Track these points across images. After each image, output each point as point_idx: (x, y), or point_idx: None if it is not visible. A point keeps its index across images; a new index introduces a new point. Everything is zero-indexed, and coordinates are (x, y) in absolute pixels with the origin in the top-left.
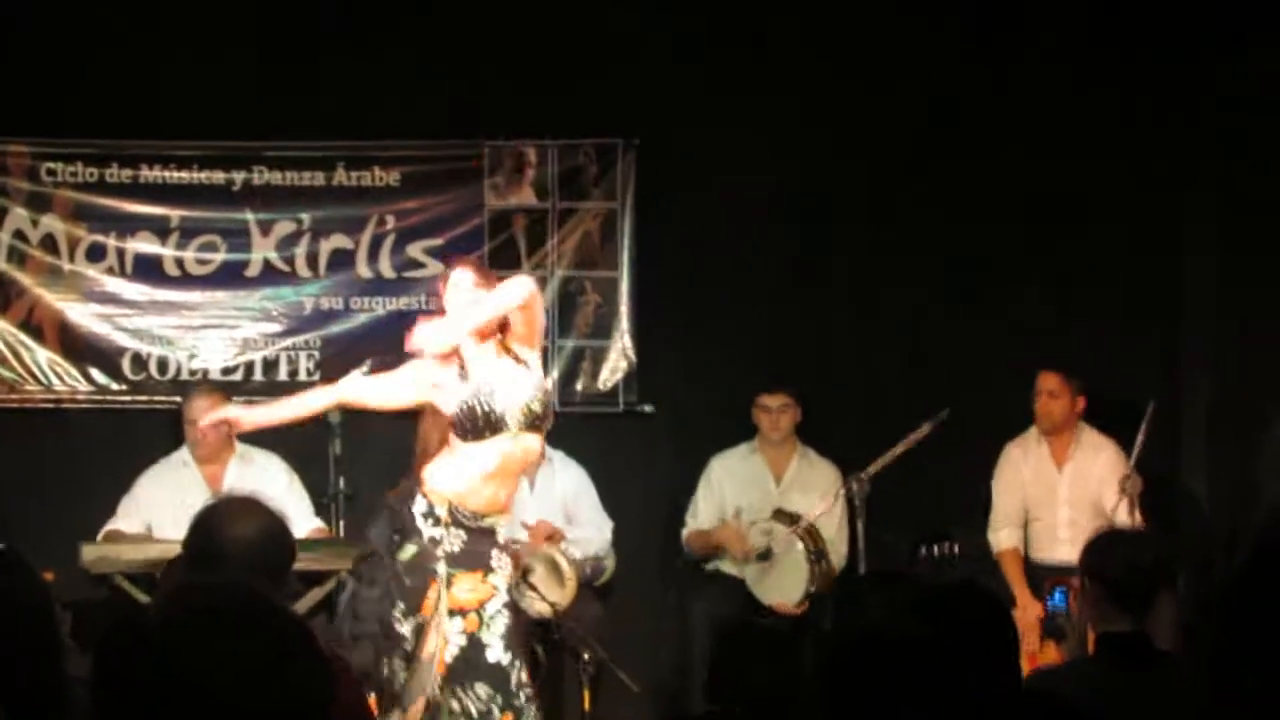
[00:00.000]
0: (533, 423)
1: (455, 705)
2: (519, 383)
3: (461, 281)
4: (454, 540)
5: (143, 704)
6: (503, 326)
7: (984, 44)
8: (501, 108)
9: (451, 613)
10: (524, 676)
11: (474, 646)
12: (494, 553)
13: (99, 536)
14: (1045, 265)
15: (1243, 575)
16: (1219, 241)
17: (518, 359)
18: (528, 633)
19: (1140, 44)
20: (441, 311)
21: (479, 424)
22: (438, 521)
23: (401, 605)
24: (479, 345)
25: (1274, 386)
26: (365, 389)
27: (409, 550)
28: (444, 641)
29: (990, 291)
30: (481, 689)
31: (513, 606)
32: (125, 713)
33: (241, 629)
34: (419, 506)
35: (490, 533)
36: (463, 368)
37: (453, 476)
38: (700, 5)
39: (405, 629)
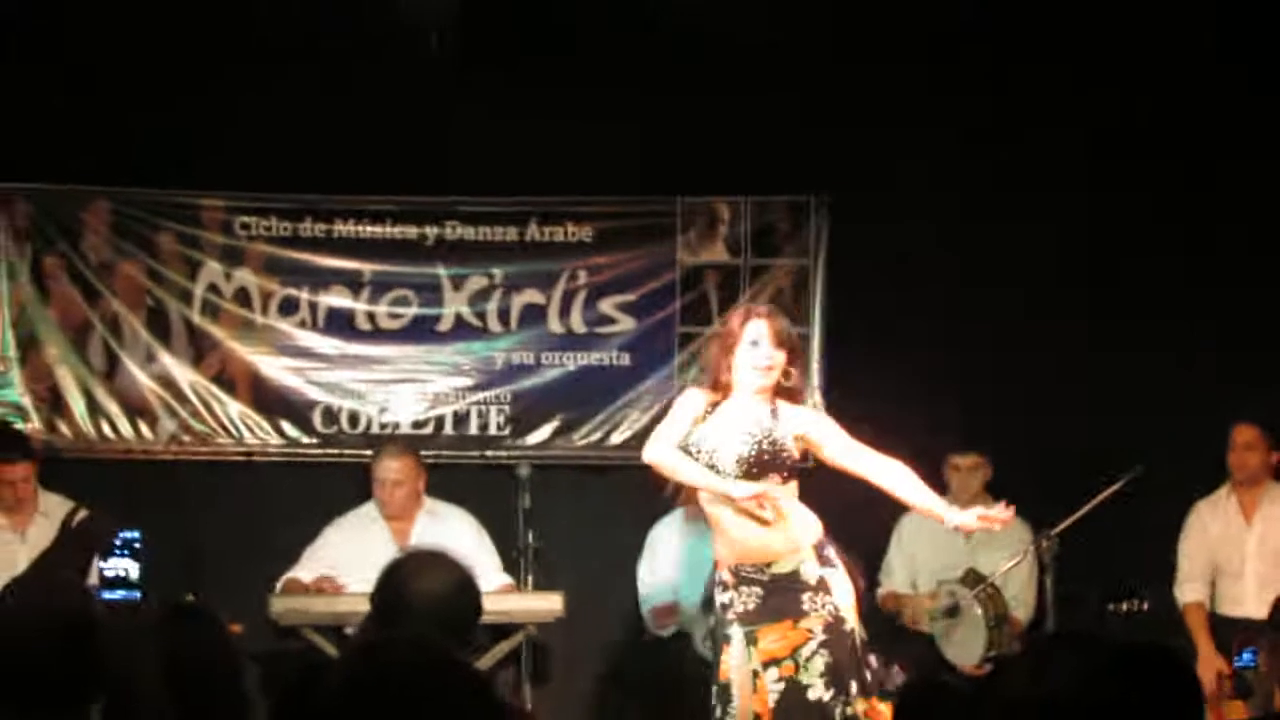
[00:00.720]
0: (748, 470)
1: None
2: (737, 429)
3: (762, 335)
4: (748, 599)
5: None
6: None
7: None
8: (694, 164)
9: (766, 664)
10: (859, 709)
11: (793, 689)
12: (805, 597)
13: (279, 585)
14: (1240, 318)
15: None
16: None
17: (774, 411)
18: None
19: None
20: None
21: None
22: (725, 587)
23: (710, 672)
24: (747, 396)
25: None
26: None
27: (710, 620)
28: (766, 693)
29: (1183, 343)
30: None
31: (834, 642)
32: None
33: (421, 689)
34: (714, 578)
35: (790, 577)
36: (710, 411)
37: (715, 538)
38: (892, 62)
39: (713, 699)
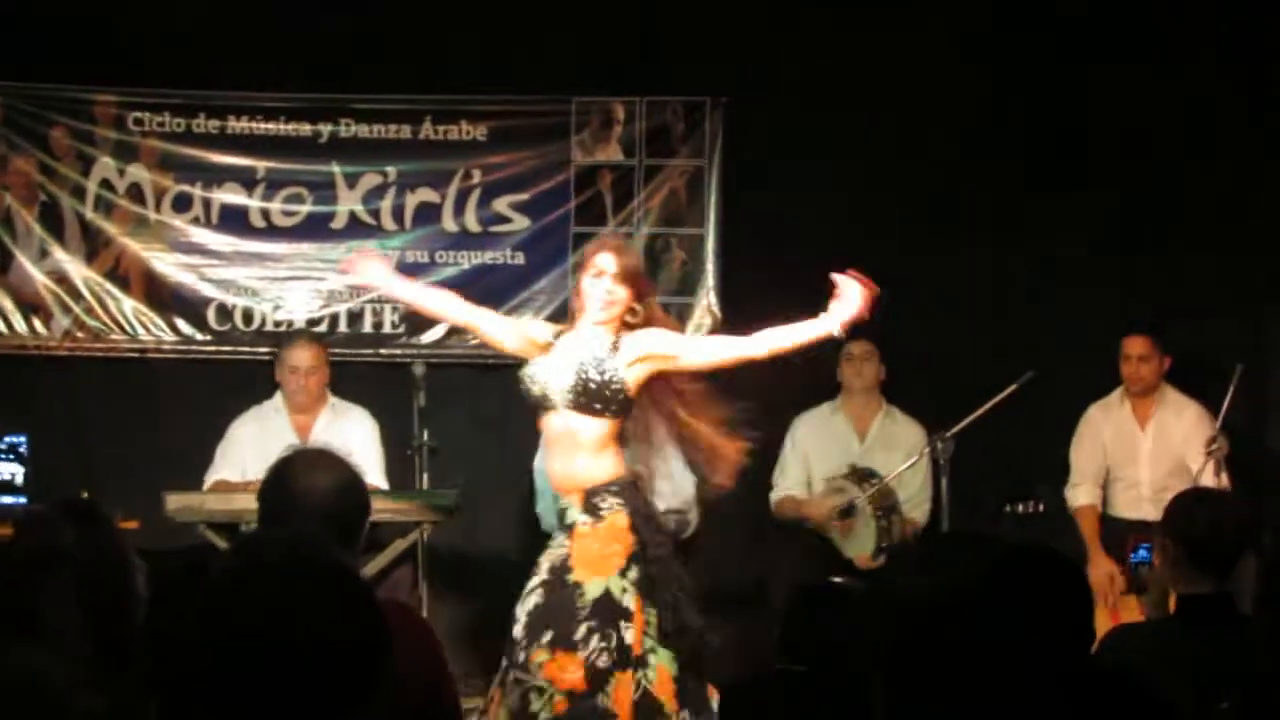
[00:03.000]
0: (575, 401)
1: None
2: (570, 360)
3: (607, 268)
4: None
5: (192, 650)
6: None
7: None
8: (590, 64)
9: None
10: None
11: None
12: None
13: (205, 487)
14: (1134, 228)
15: None
16: None
17: (615, 339)
18: None
19: None
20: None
21: (533, 403)
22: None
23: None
24: (591, 326)
25: None
26: (486, 321)
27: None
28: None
29: (1075, 254)
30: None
31: (547, 588)
32: (175, 657)
33: (294, 585)
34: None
35: (561, 514)
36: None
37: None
38: None
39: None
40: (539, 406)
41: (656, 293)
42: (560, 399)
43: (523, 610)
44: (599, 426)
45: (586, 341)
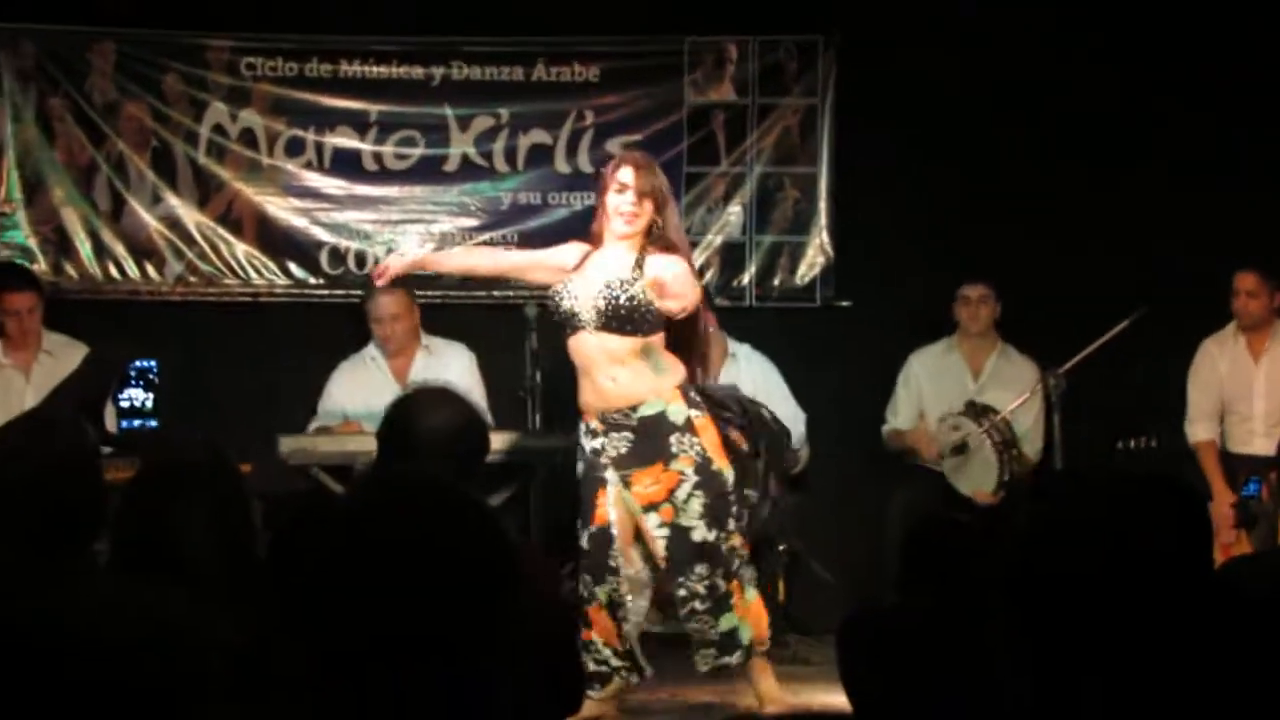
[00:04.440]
0: (606, 323)
1: (683, 592)
2: (598, 281)
3: (629, 183)
4: (619, 444)
5: (321, 582)
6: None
7: None
8: (702, 3)
9: (645, 508)
10: (736, 543)
11: (678, 533)
12: (672, 438)
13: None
14: (1243, 165)
15: None
16: None
17: (640, 256)
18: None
19: None
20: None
21: (562, 320)
22: (594, 434)
23: (580, 520)
24: (616, 242)
25: None
26: (524, 263)
27: (580, 468)
28: (652, 538)
29: (1187, 191)
30: (700, 568)
31: (707, 481)
32: (303, 588)
33: (423, 514)
34: (581, 427)
35: (657, 420)
36: (582, 263)
37: (581, 385)
38: None
39: (584, 541)
40: (569, 325)
41: (676, 209)
42: (590, 320)
43: (691, 517)
44: (632, 343)
45: (611, 261)
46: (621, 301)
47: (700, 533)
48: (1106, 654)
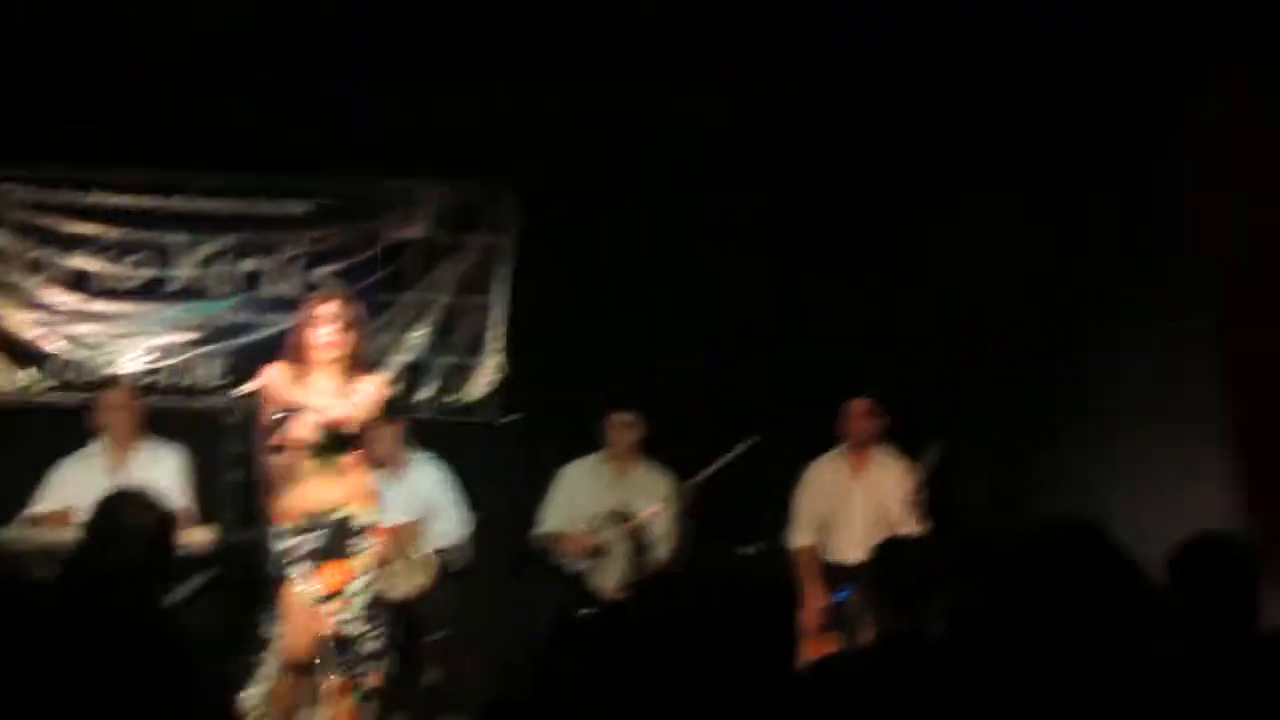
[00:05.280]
0: (329, 436)
1: (332, 676)
2: (317, 402)
3: (332, 317)
4: (310, 542)
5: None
6: (360, 348)
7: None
8: (400, 148)
9: (321, 599)
10: (378, 645)
11: (343, 622)
12: (350, 542)
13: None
14: (864, 309)
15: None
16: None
17: (348, 383)
18: (391, 612)
19: None
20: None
21: (280, 434)
22: (287, 535)
23: (266, 612)
24: (325, 358)
25: (1036, 417)
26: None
27: (272, 564)
28: (319, 623)
29: (807, 330)
30: (347, 656)
31: (372, 586)
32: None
33: (99, 619)
34: (274, 528)
35: (341, 525)
36: (297, 384)
37: (282, 490)
38: (585, 71)
39: (272, 630)
40: (287, 440)
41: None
42: (313, 434)
43: (356, 609)
44: (344, 458)
45: (323, 383)
46: (339, 419)
47: (357, 626)
48: None
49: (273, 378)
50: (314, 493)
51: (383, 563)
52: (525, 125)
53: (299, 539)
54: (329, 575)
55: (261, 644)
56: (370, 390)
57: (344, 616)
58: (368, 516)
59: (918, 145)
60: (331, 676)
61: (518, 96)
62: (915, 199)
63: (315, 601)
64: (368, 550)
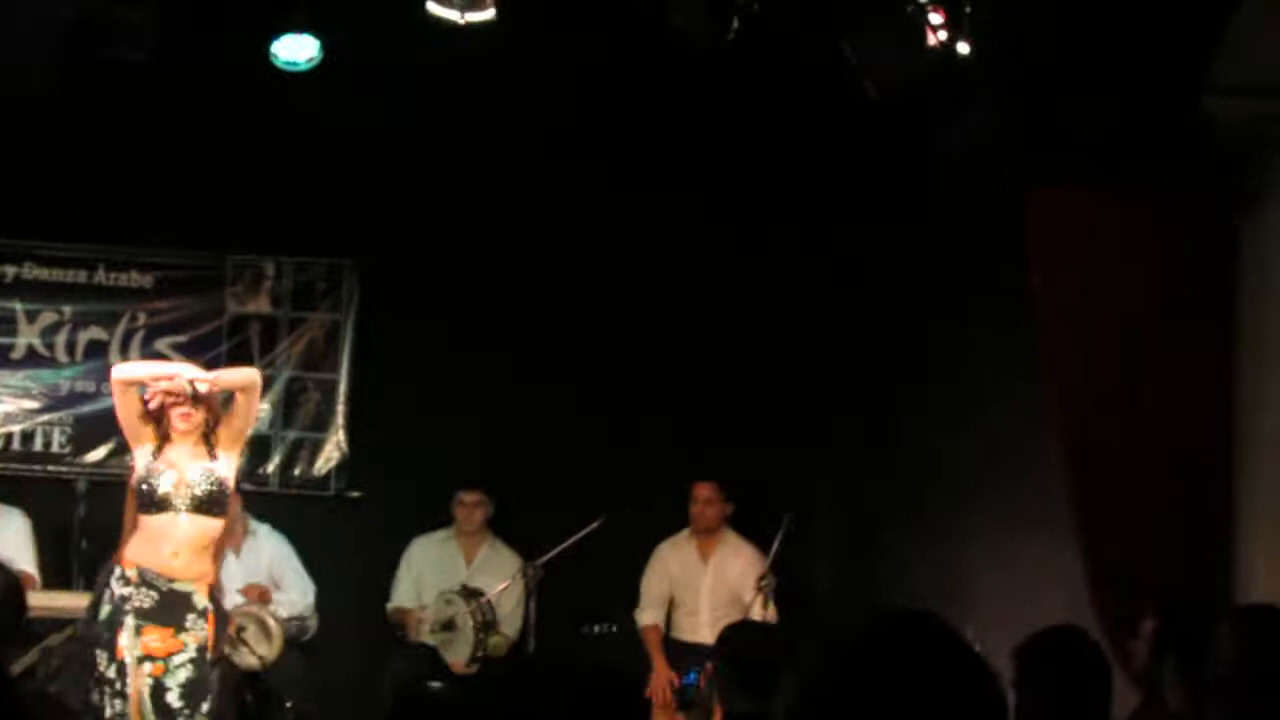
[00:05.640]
0: (199, 505)
1: None
2: (192, 469)
3: (184, 392)
4: (144, 598)
5: None
6: (216, 419)
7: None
8: (245, 225)
9: (141, 659)
10: None
11: (158, 688)
12: (189, 616)
13: None
14: (711, 391)
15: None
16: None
17: (211, 451)
18: (238, 682)
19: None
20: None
21: (149, 500)
22: (128, 582)
23: (104, 654)
24: (182, 429)
25: (886, 504)
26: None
27: (105, 609)
28: (138, 680)
29: (654, 412)
30: None
31: (198, 663)
32: None
33: None
34: (115, 572)
35: (185, 598)
36: (159, 446)
37: (138, 544)
38: (428, 150)
39: (111, 671)
40: (156, 506)
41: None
42: (184, 503)
43: (175, 681)
44: (216, 526)
45: (193, 454)
46: (213, 484)
47: (174, 696)
48: None
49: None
50: (170, 561)
51: (237, 631)
52: (371, 204)
53: (132, 590)
54: (156, 639)
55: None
56: (231, 459)
57: (165, 683)
58: (205, 600)
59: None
60: None
61: (361, 177)
62: None
63: (136, 660)
64: (199, 631)
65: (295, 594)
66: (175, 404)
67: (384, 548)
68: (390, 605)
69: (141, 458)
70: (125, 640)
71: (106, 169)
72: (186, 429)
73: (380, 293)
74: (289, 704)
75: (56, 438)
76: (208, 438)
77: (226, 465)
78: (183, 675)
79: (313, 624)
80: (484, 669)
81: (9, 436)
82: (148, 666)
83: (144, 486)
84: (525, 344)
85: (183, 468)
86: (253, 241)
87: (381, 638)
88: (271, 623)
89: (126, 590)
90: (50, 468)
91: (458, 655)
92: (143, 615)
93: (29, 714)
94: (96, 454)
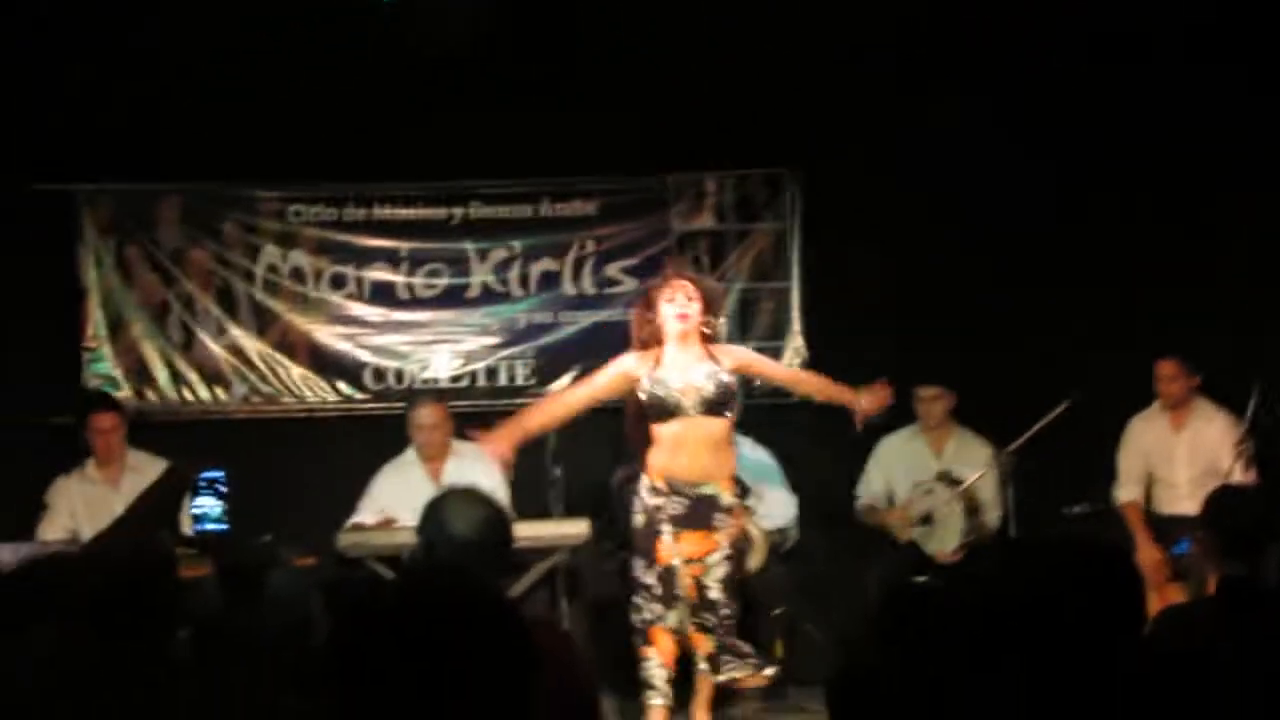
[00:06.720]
0: (709, 407)
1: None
2: (694, 372)
3: (683, 292)
4: (676, 505)
5: (371, 665)
6: (706, 325)
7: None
8: (683, 143)
9: (684, 562)
10: (730, 611)
11: (700, 588)
12: (716, 515)
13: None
14: (1177, 264)
15: None
16: None
17: (711, 355)
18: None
19: None
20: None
21: (660, 409)
22: (658, 492)
23: (642, 561)
24: (677, 344)
25: None
26: (589, 394)
27: (639, 519)
28: (684, 581)
29: (1120, 289)
30: (707, 617)
31: (731, 558)
32: (358, 671)
33: (452, 610)
34: (644, 483)
35: (712, 500)
36: (658, 362)
37: (659, 454)
38: (857, 52)
39: (650, 578)
40: (667, 413)
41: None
42: (693, 406)
43: (714, 579)
44: (727, 425)
45: (688, 357)
46: (718, 385)
47: (714, 593)
48: (1051, 698)
49: (629, 366)
50: (686, 462)
51: (737, 541)
52: (804, 108)
53: (665, 500)
54: (692, 542)
55: (639, 587)
56: (736, 353)
57: (704, 581)
58: (731, 498)
59: None
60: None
61: (796, 82)
62: None
63: (681, 562)
64: (729, 528)
65: (778, 505)
66: (670, 301)
67: (852, 450)
68: (860, 502)
69: (644, 375)
70: (664, 548)
71: (544, 101)
72: (684, 329)
73: (822, 198)
74: (776, 612)
75: (520, 371)
76: (701, 340)
77: (733, 359)
78: (720, 572)
79: (794, 534)
80: (973, 554)
81: (473, 374)
82: (688, 568)
83: (652, 396)
84: (968, 235)
85: (687, 372)
86: (690, 159)
87: (859, 539)
88: (756, 533)
89: (659, 501)
90: (517, 401)
91: (943, 544)
92: (677, 522)
93: (529, 640)
94: (560, 383)
